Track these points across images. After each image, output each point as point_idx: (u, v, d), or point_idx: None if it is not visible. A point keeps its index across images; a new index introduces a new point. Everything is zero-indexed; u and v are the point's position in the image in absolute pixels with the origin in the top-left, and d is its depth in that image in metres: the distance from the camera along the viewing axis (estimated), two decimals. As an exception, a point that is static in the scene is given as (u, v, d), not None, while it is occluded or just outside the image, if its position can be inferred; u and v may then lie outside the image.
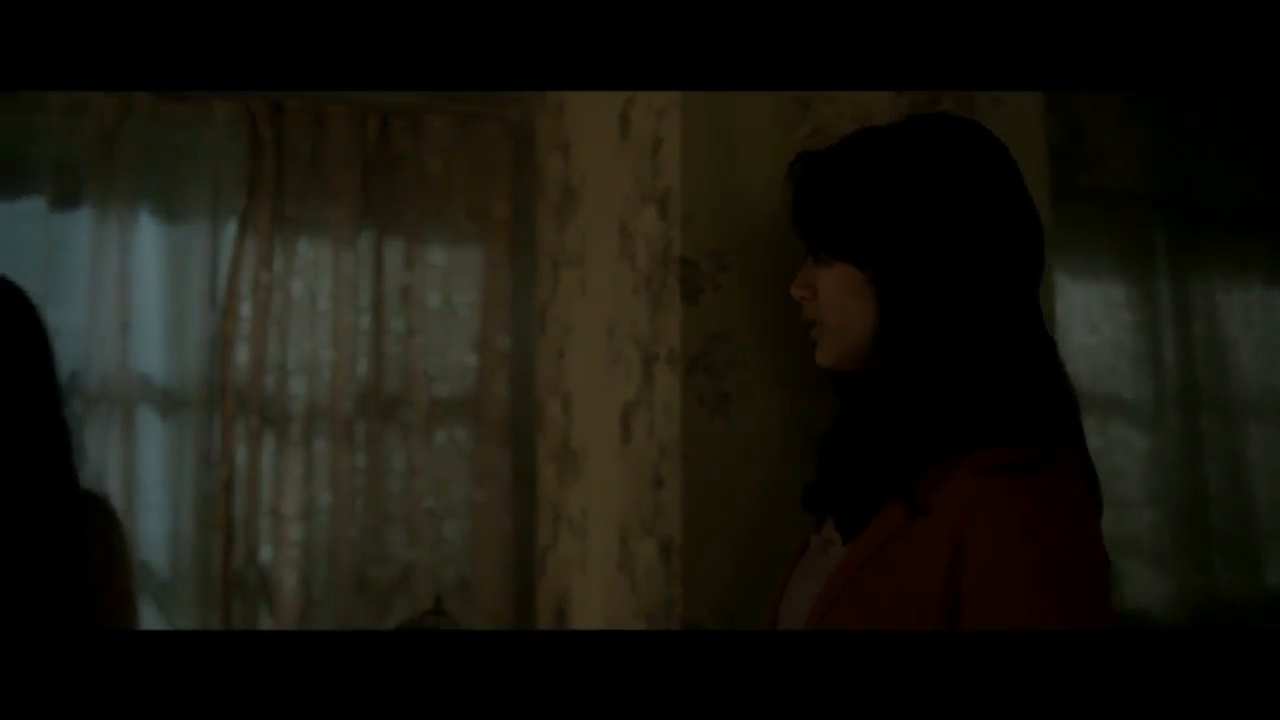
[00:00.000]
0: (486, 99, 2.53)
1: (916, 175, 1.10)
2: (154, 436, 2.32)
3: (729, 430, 1.51)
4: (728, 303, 1.52)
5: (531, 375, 2.48)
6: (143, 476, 2.29)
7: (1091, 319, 2.97)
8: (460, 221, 2.53)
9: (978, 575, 0.99)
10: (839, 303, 1.14)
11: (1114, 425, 2.96)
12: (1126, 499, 2.93)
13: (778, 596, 1.22)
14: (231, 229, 2.37)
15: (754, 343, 1.52)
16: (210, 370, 2.35)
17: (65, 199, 2.30)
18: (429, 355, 2.49)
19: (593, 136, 2.02)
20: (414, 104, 2.49)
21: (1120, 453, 2.95)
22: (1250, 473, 3.05)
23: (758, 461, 1.50)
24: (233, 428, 2.32)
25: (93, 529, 1.55)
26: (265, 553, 2.34)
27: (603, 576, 1.87)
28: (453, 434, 2.50)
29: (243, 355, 2.35)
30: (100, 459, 2.22)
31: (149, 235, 2.35)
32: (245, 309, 2.36)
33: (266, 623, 2.33)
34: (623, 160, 1.79)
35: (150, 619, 2.22)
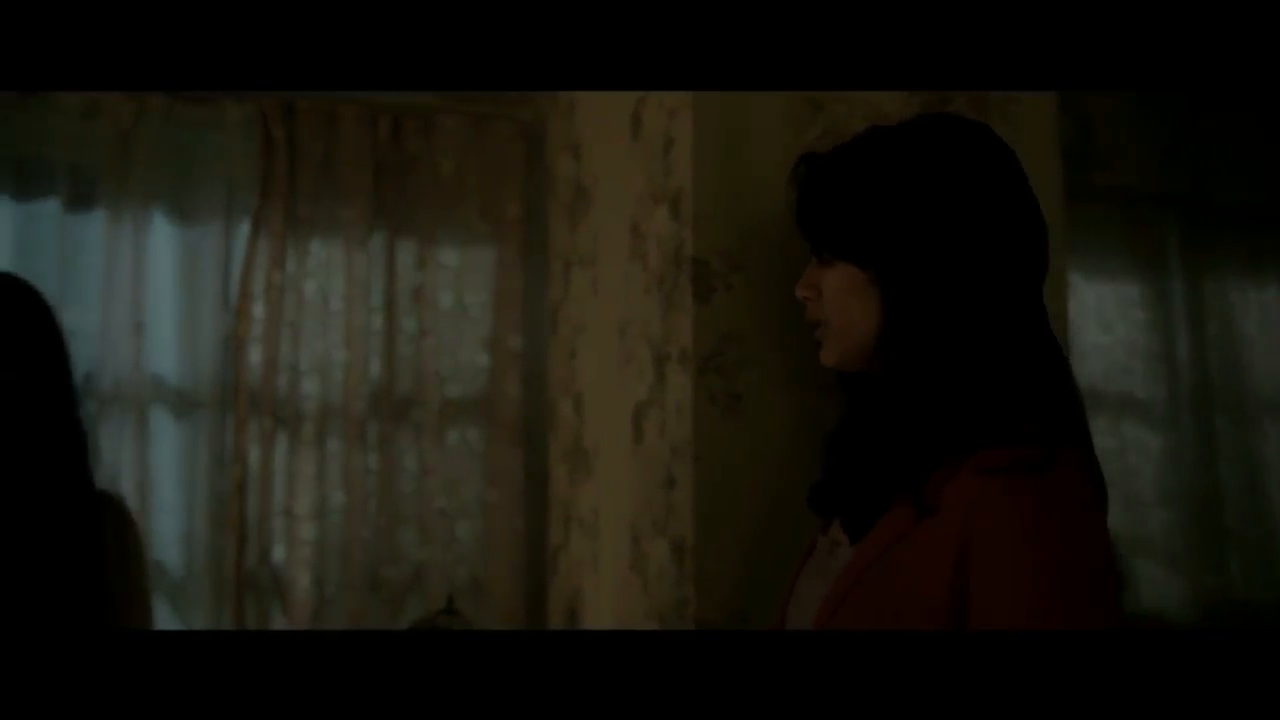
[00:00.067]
0: (498, 99, 2.53)
1: (920, 176, 1.10)
2: (167, 437, 2.33)
3: (741, 430, 1.51)
4: (739, 303, 1.52)
5: (543, 375, 2.48)
6: (156, 477, 2.30)
7: (1105, 318, 2.96)
8: (472, 222, 2.53)
9: (983, 576, 0.99)
10: (842, 303, 1.14)
11: (1128, 425, 2.94)
12: (1140, 499, 2.92)
13: (785, 597, 1.22)
14: (244, 230, 2.38)
15: (766, 342, 1.52)
16: (223, 371, 2.36)
17: (80, 200, 2.31)
18: (441, 355, 2.49)
19: (604, 136, 2.02)
20: (426, 104, 2.49)
21: (1134, 453, 2.93)
22: (1265, 472, 3.03)
23: (769, 461, 1.50)
24: (246, 428, 2.33)
25: (108, 529, 1.56)
26: (278, 552, 2.35)
27: (614, 576, 1.87)
28: (465, 434, 2.51)
29: (256, 356, 2.36)
30: (114, 459, 2.23)
31: (163, 236, 2.36)
32: (258, 309, 2.36)
33: (279, 622, 2.34)
34: (634, 160, 1.79)
35: (164, 618, 2.23)
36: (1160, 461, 2.94)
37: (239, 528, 2.30)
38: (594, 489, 2.03)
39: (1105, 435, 2.90)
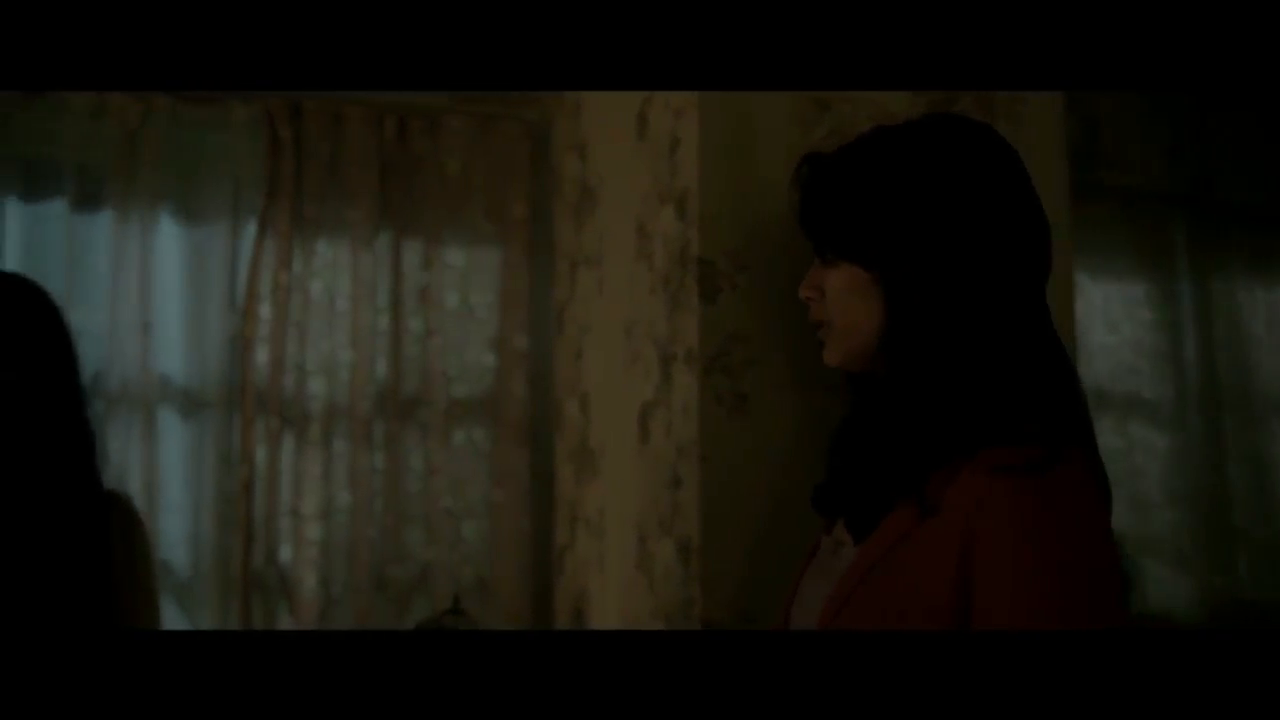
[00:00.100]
0: (504, 99, 2.53)
1: (923, 176, 1.10)
2: (174, 437, 2.34)
3: (747, 430, 1.51)
4: (745, 303, 1.52)
5: (549, 375, 2.48)
6: (163, 476, 2.31)
7: (1111, 318, 2.96)
8: (478, 222, 2.53)
9: (986, 576, 0.99)
10: (845, 303, 1.14)
11: (1135, 425, 2.94)
12: (1147, 499, 2.92)
13: (789, 597, 1.22)
14: (251, 230, 2.39)
15: (772, 342, 1.52)
16: (230, 371, 2.36)
17: (87, 201, 2.32)
18: (447, 355, 2.49)
19: (610, 136, 2.02)
20: (432, 105, 2.49)
21: (1141, 452, 2.93)
22: (1272, 472, 3.03)
23: (776, 461, 1.50)
24: (252, 428, 2.33)
25: (116, 529, 1.56)
26: (285, 552, 2.36)
27: (620, 576, 1.87)
28: (471, 434, 2.51)
29: (262, 356, 2.36)
30: (122, 459, 2.24)
31: (169, 237, 2.37)
32: (264, 310, 2.37)
33: (286, 621, 2.34)
34: (640, 160, 1.79)
35: (171, 617, 2.24)
36: (1167, 461, 2.94)
37: (245, 527, 2.31)
38: (600, 489, 2.03)
39: (1112, 435, 2.90)
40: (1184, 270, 3.03)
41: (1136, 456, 2.92)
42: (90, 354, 1.67)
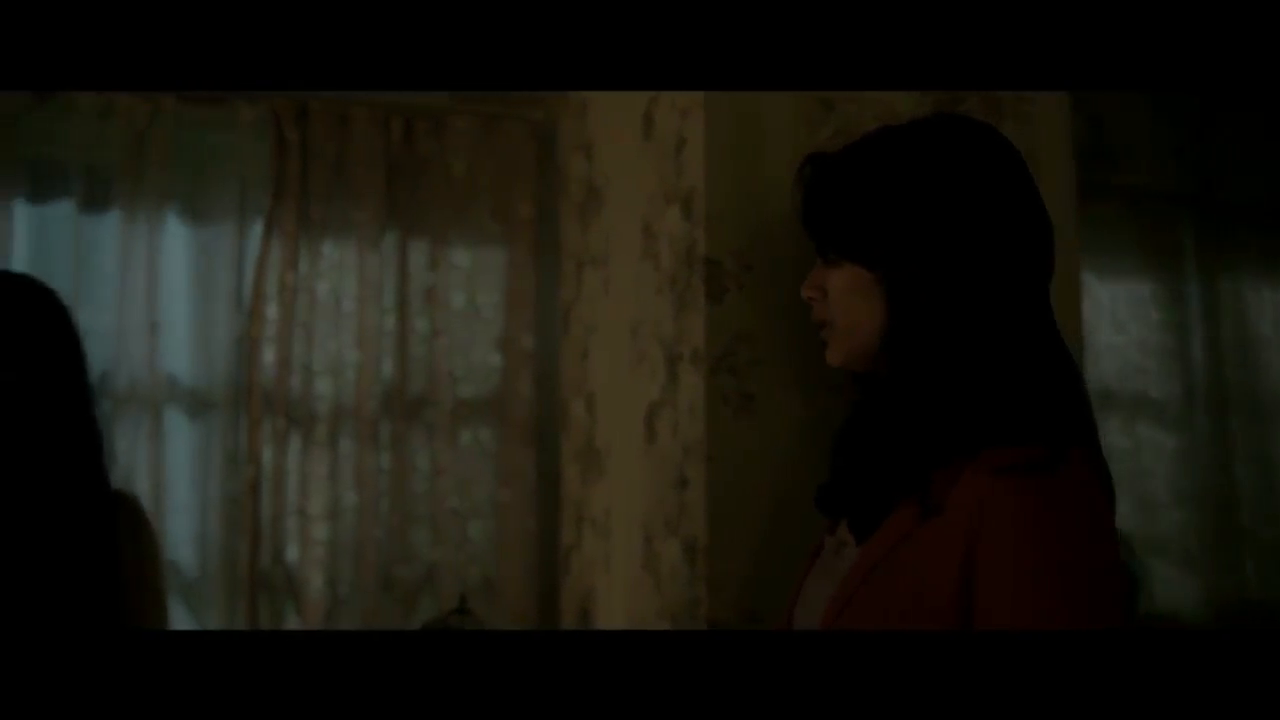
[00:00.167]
0: (510, 100, 2.53)
1: (925, 177, 1.10)
2: (181, 437, 2.34)
3: (753, 430, 1.51)
4: (752, 302, 1.52)
5: (555, 375, 2.49)
6: (170, 477, 2.31)
7: (1118, 318, 2.95)
8: (484, 222, 2.53)
9: (988, 575, 0.99)
10: (847, 303, 1.14)
11: (1142, 425, 2.94)
12: (1155, 499, 2.91)
13: (793, 598, 1.22)
14: (257, 231, 2.39)
15: (778, 342, 1.52)
16: (237, 371, 2.37)
17: (94, 202, 2.32)
18: (453, 355, 2.49)
19: (616, 136, 2.02)
20: (438, 105, 2.49)
21: (1148, 453, 2.92)
22: (1280, 473, 3.02)
23: (782, 461, 1.50)
24: (259, 428, 2.34)
25: (123, 529, 1.56)
26: (291, 552, 2.36)
27: (627, 576, 1.87)
28: (477, 434, 2.51)
29: (269, 356, 2.37)
30: (129, 459, 2.24)
31: (176, 237, 2.37)
32: (271, 310, 2.37)
33: (293, 621, 2.34)
34: (646, 160, 1.79)
35: (178, 617, 2.24)
36: (1174, 461, 2.93)
37: (252, 528, 2.31)
38: (606, 489, 2.04)
39: (1119, 435, 2.89)
40: (1191, 270, 3.02)
41: (1143, 456, 2.92)
42: (98, 354, 1.67)
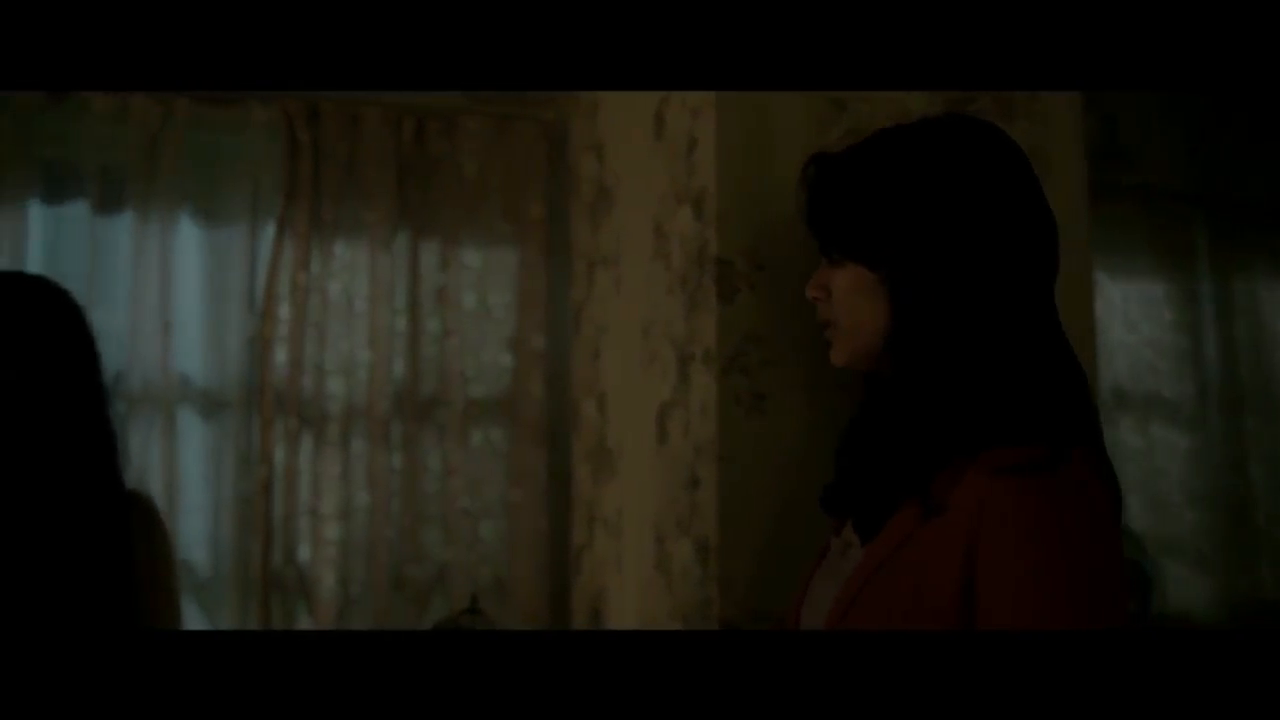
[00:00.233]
0: (521, 100, 2.53)
1: (928, 177, 1.10)
2: (194, 437, 2.35)
3: (765, 430, 1.51)
4: (763, 302, 1.52)
5: (566, 375, 2.49)
6: (183, 477, 2.32)
7: (1131, 318, 2.94)
8: (495, 222, 2.54)
9: (989, 575, 0.99)
10: (851, 304, 1.15)
11: (1155, 425, 2.93)
12: (1168, 499, 2.90)
13: (799, 599, 1.22)
14: (270, 231, 2.40)
15: (790, 342, 1.52)
16: (249, 371, 2.37)
17: (108, 203, 2.34)
18: (464, 356, 2.50)
19: (627, 136, 2.02)
20: (449, 105, 2.50)
21: (1161, 453, 2.91)
22: (1294, 473, 3.01)
23: (794, 461, 1.50)
24: (271, 428, 2.35)
25: (137, 529, 1.57)
26: (303, 552, 2.37)
27: (638, 576, 1.87)
28: (488, 434, 2.51)
29: (281, 356, 2.37)
30: (142, 459, 2.25)
31: (189, 238, 2.38)
32: (283, 311, 2.38)
33: (305, 621, 2.35)
34: (657, 160, 1.79)
35: (191, 617, 2.25)
36: (1188, 461, 2.92)
37: (264, 527, 2.32)
38: (618, 489, 2.04)
39: (1132, 435, 2.88)
40: (1204, 269, 3.01)
41: (1156, 456, 2.91)
42: (111, 354, 1.68)
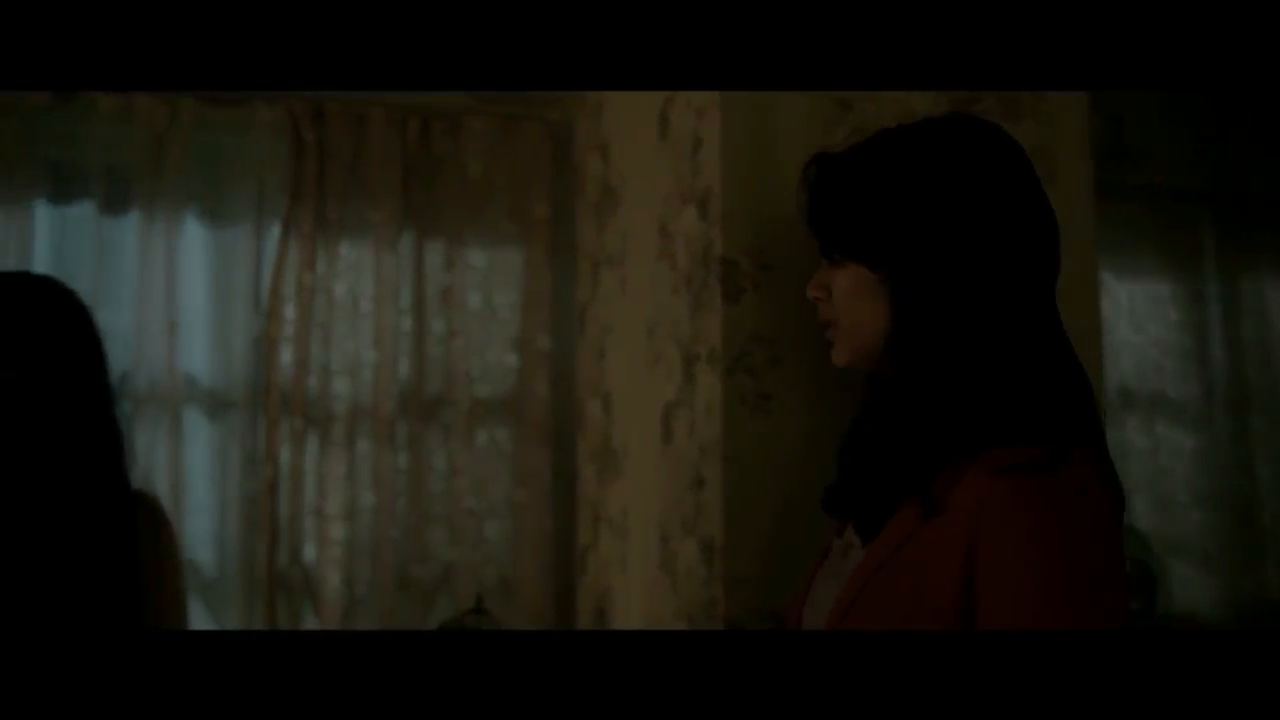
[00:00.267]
0: (526, 100, 2.53)
1: (927, 177, 1.10)
2: (200, 437, 2.35)
3: (770, 430, 1.51)
4: (768, 302, 1.52)
5: (572, 375, 2.49)
6: (189, 477, 2.32)
7: (1137, 317, 2.94)
8: (500, 222, 2.54)
9: (988, 575, 0.99)
10: (851, 304, 1.15)
11: (1161, 425, 2.92)
12: (1174, 499, 2.90)
13: (801, 600, 1.22)
14: (275, 232, 2.40)
15: (795, 342, 1.51)
16: (255, 371, 2.37)
17: (114, 203, 2.34)
18: (470, 356, 2.50)
19: (632, 136, 2.03)
20: (454, 106, 2.50)
21: (1167, 453, 2.91)
22: (1302, 473, 3.00)
23: (799, 461, 1.50)
24: (277, 428, 2.35)
25: (144, 529, 1.57)
26: (309, 552, 2.37)
27: (644, 576, 1.87)
28: (493, 434, 2.51)
29: (286, 356, 2.37)
30: (148, 459, 2.25)
31: (195, 238, 2.38)
32: (289, 311, 2.38)
33: (310, 621, 2.35)
34: (662, 160, 1.79)
35: (197, 617, 2.25)
36: (1194, 461, 2.92)
37: (270, 527, 2.32)
38: (623, 489, 2.04)
39: (1138, 435, 2.88)
40: (1211, 269, 3.00)
41: (1162, 456, 2.90)
42: (117, 355, 1.68)
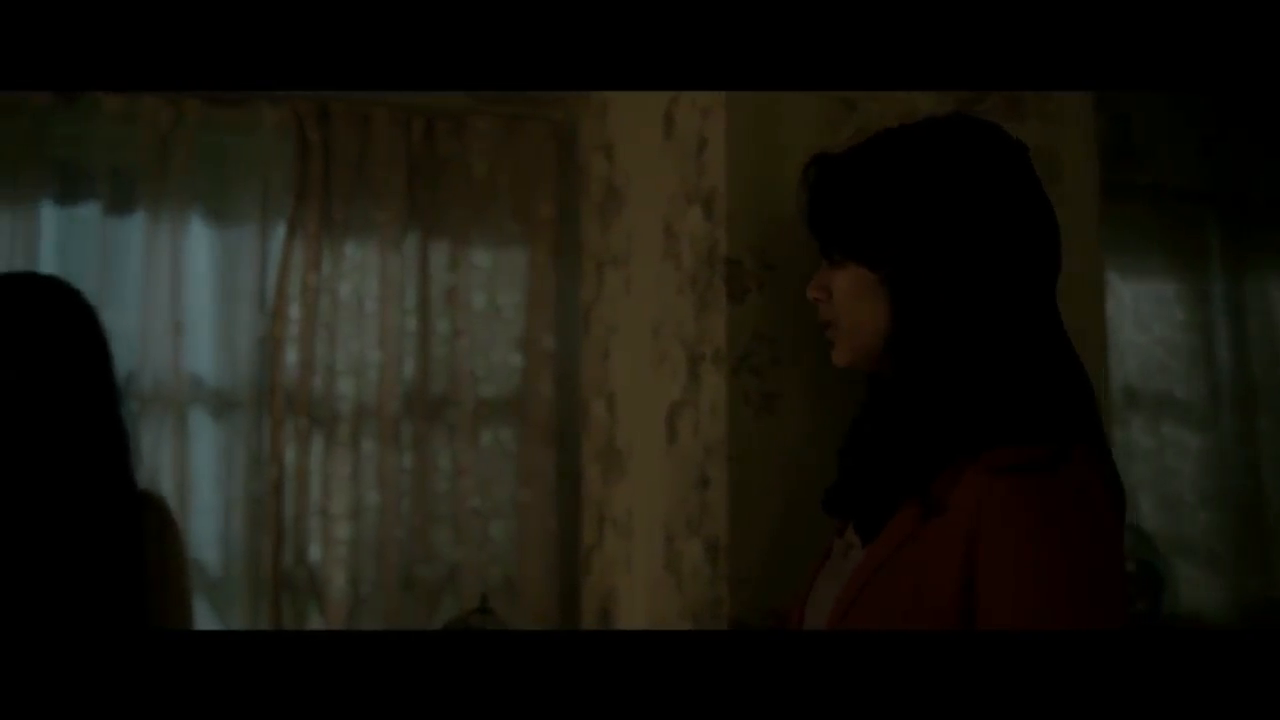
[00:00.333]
0: (530, 100, 2.54)
1: (927, 177, 1.10)
2: (205, 437, 2.36)
3: (775, 430, 1.51)
4: (773, 302, 1.52)
5: (576, 375, 2.49)
6: (195, 477, 2.32)
7: (1142, 317, 2.93)
8: (505, 222, 2.54)
9: (988, 575, 0.99)
10: (851, 304, 1.15)
11: (1167, 425, 2.92)
12: (1180, 499, 2.89)
13: (802, 599, 1.22)
14: (280, 232, 2.40)
15: (799, 342, 1.51)
16: (260, 371, 2.38)
17: (120, 204, 2.34)
18: (474, 356, 2.50)
19: (637, 136, 2.03)
20: (458, 106, 2.50)
21: (1173, 453, 2.90)
22: (1308, 473, 2.99)
23: (804, 461, 1.50)
24: (282, 428, 2.35)
25: (149, 529, 1.57)
26: (314, 552, 2.37)
27: (648, 576, 1.87)
28: (498, 434, 2.52)
29: (292, 356, 2.38)
30: (154, 459, 2.26)
31: (200, 239, 2.39)
32: (294, 311, 2.38)
33: (315, 621, 2.36)
34: (667, 160, 1.79)
35: (202, 616, 2.26)
36: (1199, 461, 2.91)
37: (275, 527, 2.32)
38: (627, 489, 2.04)
39: (1144, 435, 2.87)
40: (1216, 269, 3.00)
41: (1168, 456, 2.90)
42: (123, 355, 1.69)
